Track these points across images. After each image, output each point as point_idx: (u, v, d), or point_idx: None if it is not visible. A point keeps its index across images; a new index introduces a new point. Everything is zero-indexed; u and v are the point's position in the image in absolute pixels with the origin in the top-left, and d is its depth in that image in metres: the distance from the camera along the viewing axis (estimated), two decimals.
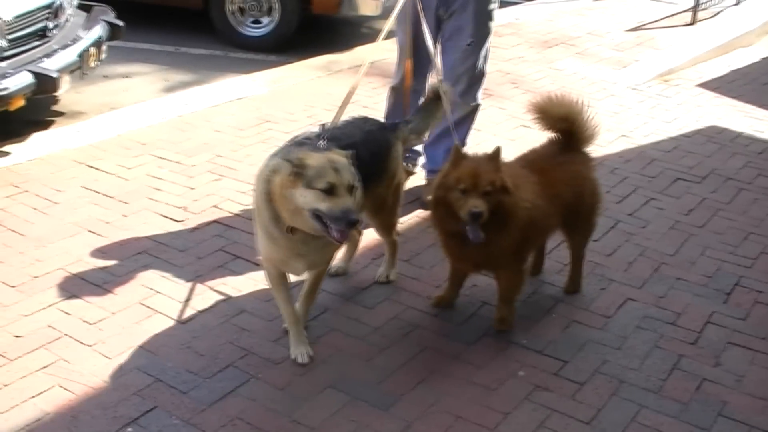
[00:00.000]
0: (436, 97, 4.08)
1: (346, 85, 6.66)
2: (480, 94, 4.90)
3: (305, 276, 3.64)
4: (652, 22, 9.49)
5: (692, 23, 9.46)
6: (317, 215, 3.10)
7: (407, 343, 3.67)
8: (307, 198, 3.08)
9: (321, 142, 3.37)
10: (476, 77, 4.80)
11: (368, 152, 3.56)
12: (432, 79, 4.96)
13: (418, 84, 4.76)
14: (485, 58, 4.79)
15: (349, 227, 3.10)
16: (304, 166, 3.09)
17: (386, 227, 4.00)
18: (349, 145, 3.40)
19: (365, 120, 3.89)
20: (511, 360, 3.61)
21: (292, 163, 3.11)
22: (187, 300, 3.83)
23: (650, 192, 5.29)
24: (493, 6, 4.71)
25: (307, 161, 3.11)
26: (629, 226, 4.83)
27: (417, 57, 4.68)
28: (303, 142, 3.43)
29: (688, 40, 8.84)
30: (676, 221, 4.94)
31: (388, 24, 4.24)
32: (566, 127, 3.92)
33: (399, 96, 4.92)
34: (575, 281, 4.14)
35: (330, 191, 3.07)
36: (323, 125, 3.66)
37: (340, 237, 3.11)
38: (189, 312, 3.74)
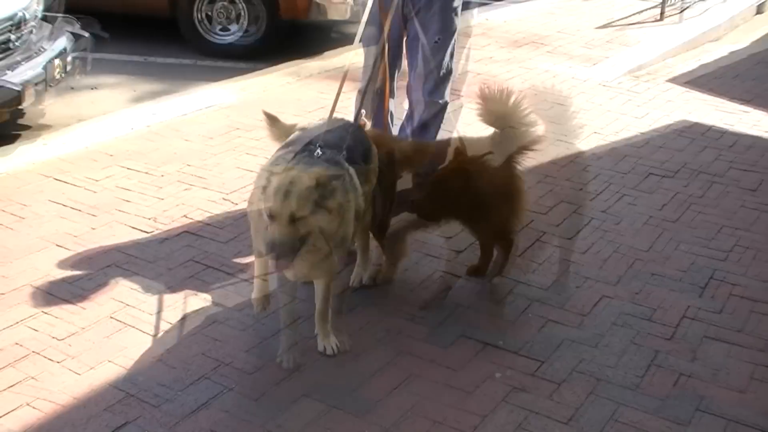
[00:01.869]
0: None
1: (316, 91, 6.64)
2: (448, 92, 4.86)
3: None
4: (622, 19, 9.53)
5: (661, 19, 9.52)
6: None
7: (382, 348, 3.63)
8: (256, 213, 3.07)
9: (317, 151, 3.32)
10: (444, 75, 4.75)
11: (360, 154, 3.58)
12: (401, 81, 4.94)
13: (389, 85, 4.71)
14: (451, 55, 4.76)
15: (274, 259, 3.04)
16: (265, 182, 3.05)
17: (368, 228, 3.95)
18: (347, 149, 3.40)
19: (344, 121, 3.84)
20: (487, 362, 3.58)
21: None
22: (158, 312, 3.77)
23: (623, 188, 5.29)
24: (457, 3, 4.68)
25: (269, 178, 3.06)
26: (603, 223, 4.82)
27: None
28: (292, 149, 3.41)
29: (658, 36, 8.89)
30: (650, 216, 4.94)
31: (361, 27, 4.19)
32: (501, 125, 3.92)
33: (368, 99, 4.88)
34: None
35: (270, 216, 3.02)
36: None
37: (272, 265, 3.07)
38: (160, 324, 3.68)
